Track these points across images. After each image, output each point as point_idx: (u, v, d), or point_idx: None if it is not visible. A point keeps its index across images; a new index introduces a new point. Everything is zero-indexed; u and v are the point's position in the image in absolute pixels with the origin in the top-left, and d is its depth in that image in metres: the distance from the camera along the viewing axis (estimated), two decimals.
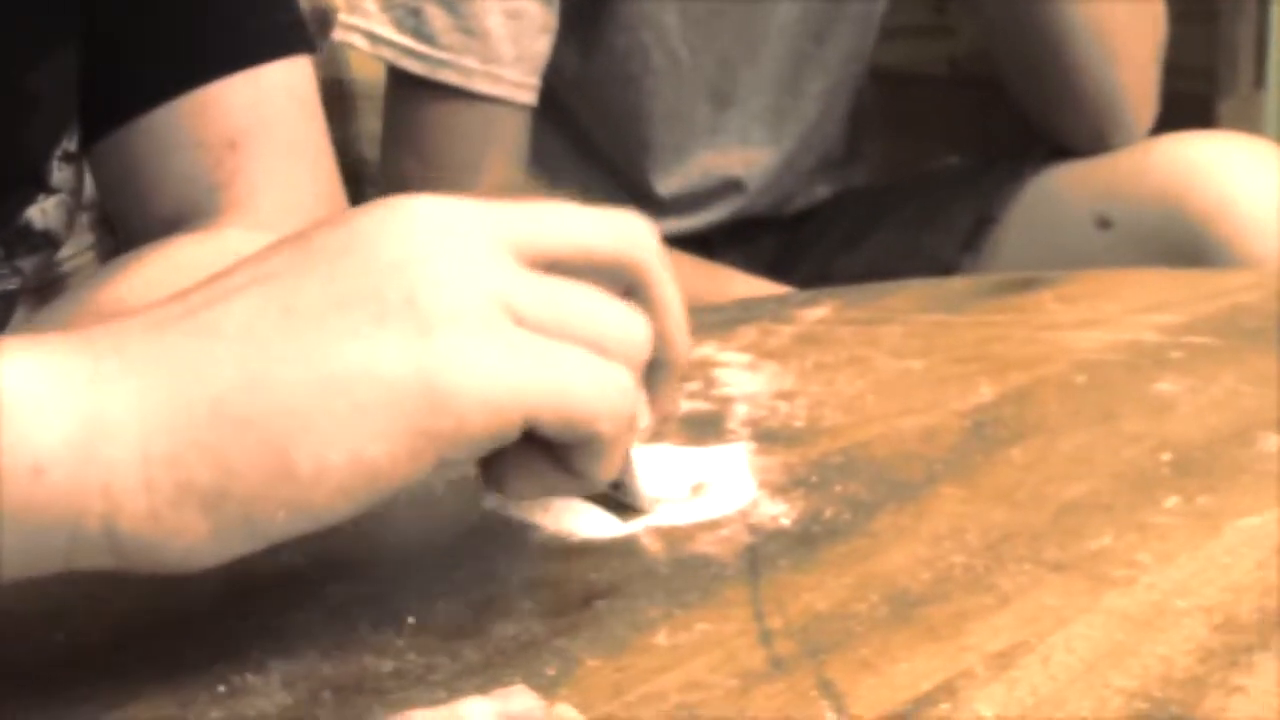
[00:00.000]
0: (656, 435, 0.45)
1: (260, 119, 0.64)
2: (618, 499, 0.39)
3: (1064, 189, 0.98)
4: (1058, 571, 0.34)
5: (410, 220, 0.33)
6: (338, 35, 0.99)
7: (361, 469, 0.30)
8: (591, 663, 0.31)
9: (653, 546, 0.37)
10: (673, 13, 1.00)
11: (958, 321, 0.55)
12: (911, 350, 0.52)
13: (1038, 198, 0.99)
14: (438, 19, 0.92)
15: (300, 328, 0.30)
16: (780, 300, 0.60)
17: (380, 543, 0.38)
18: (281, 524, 0.30)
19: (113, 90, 0.63)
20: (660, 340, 0.36)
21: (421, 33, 0.92)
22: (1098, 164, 0.96)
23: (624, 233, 0.36)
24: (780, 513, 0.38)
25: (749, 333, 0.56)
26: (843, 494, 0.39)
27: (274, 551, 0.38)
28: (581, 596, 0.34)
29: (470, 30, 0.92)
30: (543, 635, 0.33)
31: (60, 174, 0.66)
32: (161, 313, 0.31)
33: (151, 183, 0.64)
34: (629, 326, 0.34)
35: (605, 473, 0.33)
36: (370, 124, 1.22)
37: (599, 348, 0.33)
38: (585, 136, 1.07)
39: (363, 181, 1.22)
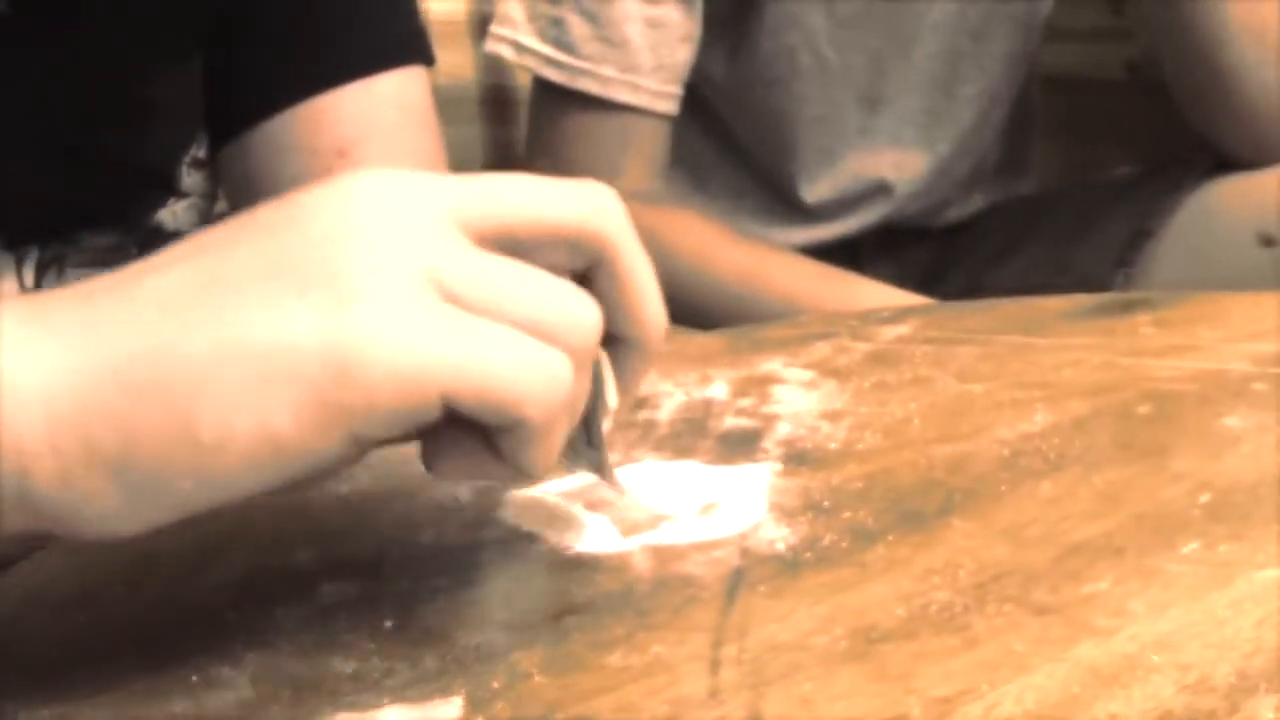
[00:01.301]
0: (683, 450, 0.45)
1: (370, 128, 0.66)
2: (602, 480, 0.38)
3: (1225, 204, 0.93)
4: (1039, 615, 0.32)
5: (349, 194, 0.32)
6: (488, 45, 1.01)
7: (266, 439, 0.29)
8: (539, 678, 0.31)
9: (641, 564, 0.37)
10: (819, 14, 0.98)
11: (1038, 344, 0.53)
12: (979, 373, 0.50)
13: (1197, 212, 0.94)
14: (578, 28, 0.93)
15: (218, 296, 0.30)
16: (864, 316, 0.59)
17: (388, 545, 0.39)
18: (190, 493, 0.29)
19: (234, 99, 0.66)
20: (627, 319, 0.35)
21: (562, 42, 0.94)
22: (1262, 178, 0.90)
23: (586, 203, 0.35)
24: (780, 537, 0.38)
25: (822, 349, 0.55)
26: (850, 521, 0.38)
27: (288, 549, 0.40)
28: (555, 611, 0.34)
29: (609, 39, 0.93)
30: (503, 647, 0.33)
31: (190, 179, 0.70)
32: (98, 282, 0.32)
33: (267, 188, 0.67)
34: (573, 309, 0.33)
35: (535, 461, 0.32)
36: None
37: (536, 330, 0.31)
38: (733, 141, 1.07)
39: None
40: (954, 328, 0.56)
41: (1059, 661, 0.30)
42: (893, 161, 1.05)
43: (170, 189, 0.68)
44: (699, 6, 0.95)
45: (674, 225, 0.93)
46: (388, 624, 0.34)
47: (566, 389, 0.31)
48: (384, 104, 0.67)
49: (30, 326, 0.30)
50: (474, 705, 0.30)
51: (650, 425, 0.47)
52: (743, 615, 0.33)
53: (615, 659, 0.32)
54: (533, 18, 0.96)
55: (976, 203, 1.11)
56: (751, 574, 0.36)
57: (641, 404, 0.50)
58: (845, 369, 0.52)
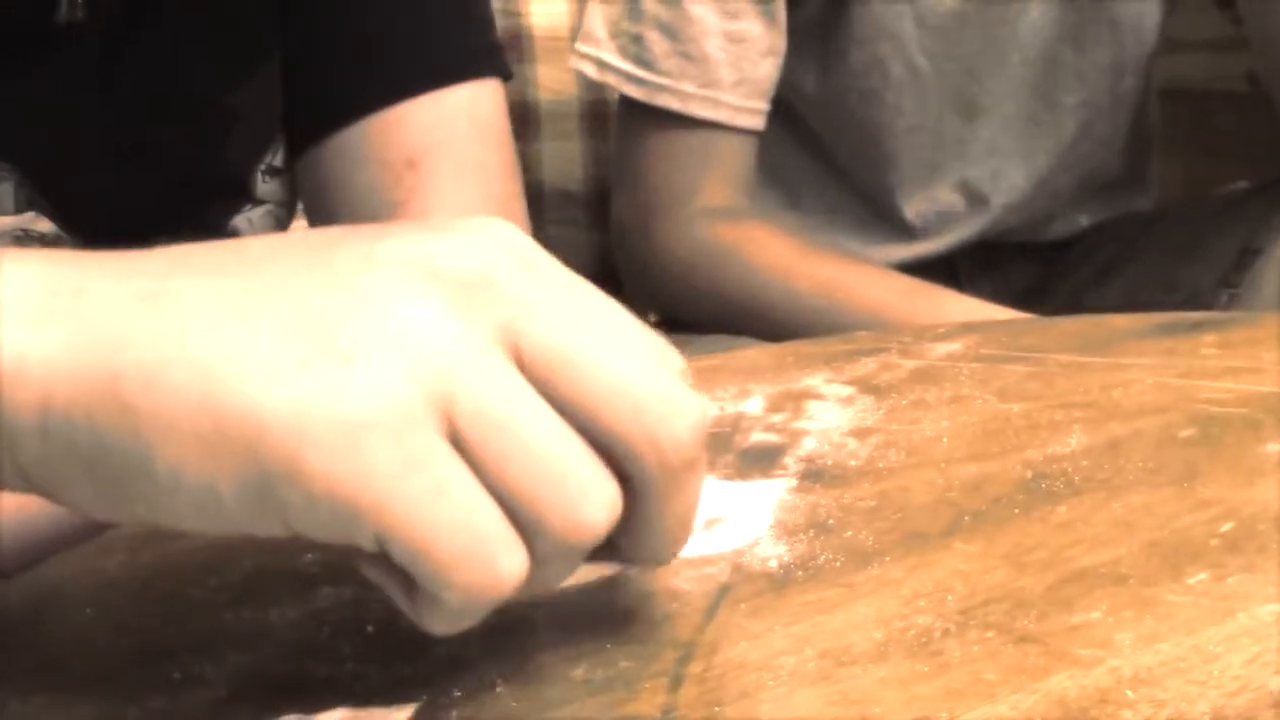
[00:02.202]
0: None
1: (440, 140, 0.67)
2: None
3: None
4: (1020, 643, 0.31)
5: (396, 266, 0.29)
6: (572, 62, 1.02)
7: (211, 501, 0.28)
8: (501, 689, 0.31)
9: (631, 577, 0.36)
10: (909, 21, 0.97)
11: (1091, 364, 0.51)
12: (1022, 393, 0.48)
13: None
14: (657, 44, 0.93)
15: (227, 337, 0.28)
16: (919, 332, 0.57)
17: None
18: (143, 515, 0.29)
19: (309, 109, 0.68)
20: (630, 540, 0.31)
21: (642, 59, 0.93)
22: None
23: (659, 413, 0.29)
24: (775, 554, 0.37)
25: (867, 365, 0.53)
26: (851, 540, 0.37)
27: (296, 552, 0.41)
28: (534, 622, 0.34)
29: (689, 55, 0.92)
30: (476, 656, 0.33)
31: (265, 186, 0.72)
32: (141, 264, 0.30)
33: (339, 198, 0.68)
34: (579, 510, 0.28)
35: (434, 628, 0.29)
36: (550, 146, 1.24)
37: (525, 511, 0.28)
38: (829, 156, 1.06)
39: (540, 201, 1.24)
40: (1010, 345, 0.54)
41: (1028, 692, 0.29)
42: (990, 172, 1.02)
43: (246, 196, 0.70)
44: (782, 20, 0.94)
45: (756, 241, 0.92)
46: (369, 629, 0.35)
47: (505, 592, 0.28)
48: (454, 116, 0.68)
49: (60, 299, 0.29)
50: (431, 712, 0.30)
51: None
52: (718, 632, 0.33)
53: (580, 672, 0.31)
54: (615, 34, 0.96)
55: (1084, 219, 1.08)
56: (738, 591, 0.35)
57: None
58: (886, 385, 0.51)
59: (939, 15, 0.98)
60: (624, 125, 0.99)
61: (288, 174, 0.71)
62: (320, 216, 0.70)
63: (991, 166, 1.02)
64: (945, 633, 0.32)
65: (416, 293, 0.29)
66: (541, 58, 1.27)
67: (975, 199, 1.03)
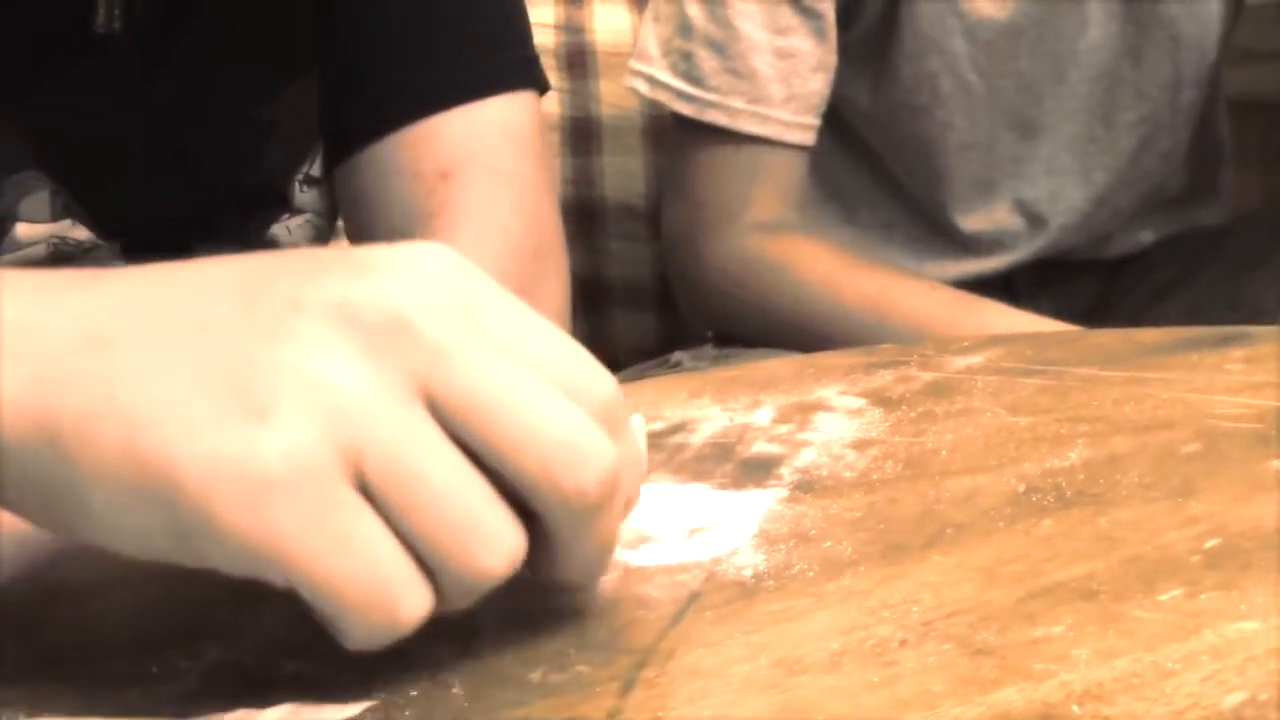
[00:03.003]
0: (700, 474, 0.44)
1: (473, 152, 0.68)
2: None
3: None
4: (976, 656, 0.30)
5: (319, 315, 0.30)
6: (626, 80, 1.03)
7: (143, 540, 0.30)
8: (457, 690, 0.31)
9: (604, 582, 0.36)
10: (959, 37, 0.96)
11: (1108, 377, 0.50)
12: (1033, 406, 0.48)
13: None
14: (707, 61, 0.93)
15: (154, 391, 0.29)
16: (941, 344, 0.57)
17: None
18: (91, 541, 0.30)
19: (345, 120, 0.69)
20: (547, 569, 0.33)
21: (692, 75, 0.94)
22: None
23: (562, 459, 0.30)
24: (751, 564, 0.37)
25: (884, 377, 0.53)
26: (829, 550, 0.37)
27: None
28: (503, 624, 0.34)
29: (738, 71, 0.93)
30: (442, 656, 0.33)
31: (303, 196, 0.73)
32: (97, 298, 0.31)
33: (373, 209, 0.69)
34: (480, 560, 0.30)
35: (346, 646, 0.30)
36: (612, 160, 1.24)
37: (430, 556, 0.29)
38: (884, 171, 1.05)
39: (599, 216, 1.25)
40: (1032, 358, 0.54)
41: (971, 704, 0.28)
42: (1048, 193, 1.01)
43: (284, 205, 0.71)
44: (833, 35, 0.94)
45: (803, 255, 0.92)
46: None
47: (406, 629, 0.30)
48: (487, 128, 0.69)
49: (14, 338, 0.30)
50: (384, 709, 0.31)
51: (680, 448, 0.47)
52: (679, 639, 0.33)
53: (537, 675, 0.32)
54: (666, 52, 0.96)
55: (1147, 235, 1.05)
56: (707, 599, 0.35)
57: (680, 427, 0.49)
58: (898, 398, 0.50)
59: (990, 31, 0.96)
60: (675, 141, 0.99)
61: (326, 184, 0.72)
62: (355, 226, 0.72)
63: (1049, 186, 1.01)
64: (903, 643, 0.31)
65: (333, 343, 0.30)
66: (604, 73, 1.28)
67: (1033, 219, 1.02)
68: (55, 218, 0.64)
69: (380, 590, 0.29)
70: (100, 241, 0.64)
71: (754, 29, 0.94)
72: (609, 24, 1.26)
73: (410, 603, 0.29)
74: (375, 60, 0.68)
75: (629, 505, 0.34)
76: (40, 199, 0.63)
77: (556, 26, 1.25)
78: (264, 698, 0.32)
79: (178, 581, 0.40)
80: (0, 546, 0.40)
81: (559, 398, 0.30)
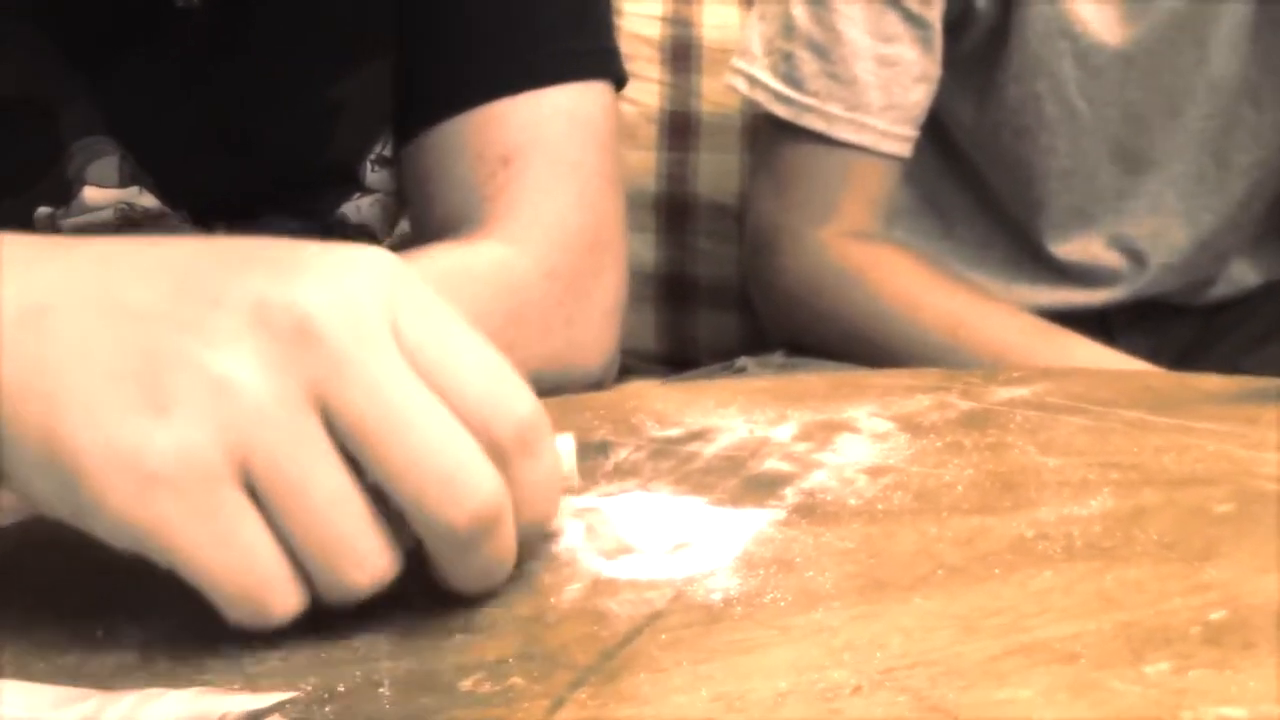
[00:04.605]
0: (701, 487, 0.42)
1: (536, 138, 0.67)
2: None
3: None
4: (927, 712, 0.28)
5: (231, 312, 0.31)
6: (727, 78, 1.01)
7: (57, 510, 0.31)
8: (384, 690, 0.30)
9: (570, 592, 0.35)
10: (1069, 61, 0.92)
11: (1156, 423, 0.47)
12: (1068, 447, 0.45)
13: None
14: (807, 64, 0.91)
15: (74, 377, 0.30)
16: (990, 374, 0.54)
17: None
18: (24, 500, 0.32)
19: (414, 101, 0.69)
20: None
21: (792, 78, 0.92)
22: None
23: (438, 494, 0.31)
24: (724, 587, 0.35)
25: (921, 402, 0.50)
26: (809, 580, 0.35)
27: None
28: (453, 626, 0.33)
29: (838, 76, 0.90)
30: (383, 654, 0.32)
31: (375, 175, 0.72)
32: (44, 271, 0.32)
33: (434, 189, 0.69)
34: (346, 580, 0.31)
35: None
36: (708, 157, 1.22)
37: (306, 560, 0.30)
38: (983, 189, 1.01)
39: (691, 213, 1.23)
40: (1080, 396, 0.51)
41: None
42: (1150, 229, 0.96)
43: (354, 184, 0.71)
44: (938, 47, 0.91)
45: (884, 267, 0.89)
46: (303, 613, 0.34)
47: (276, 623, 0.31)
48: (554, 116, 0.67)
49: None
50: (305, 704, 0.29)
51: (690, 458, 0.45)
52: (625, 661, 0.31)
53: (470, 683, 0.30)
54: (768, 52, 0.94)
55: (1250, 279, 1.00)
56: (666, 621, 0.33)
57: (698, 436, 0.47)
58: (929, 426, 0.48)
59: (1102, 57, 0.92)
60: (767, 142, 0.97)
61: (397, 165, 0.72)
62: (417, 206, 0.71)
63: (1152, 225, 0.96)
64: (855, 690, 0.29)
65: (240, 344, 0.31)
66: (708, 69, 1.26)
67: (1132, 256, 0.98)
68: (123, 184, 0.64)
69: (254, 587, 0.30)
70: (168, 209, 0.64)
71: (858, 34, 0.91)
72: (718, 20, 1.25)
73: (281, 601, 0.31)
74: (446, 43, 0.67)
75: (544, 524, 0.35)
76: (109, 164, 0.63)
77: (664, 19, 1.24)
78: (192, 678, 0.31)
79: None
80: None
81: (450, 425, 0.31)
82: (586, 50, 0.69)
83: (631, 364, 1.23)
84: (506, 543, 0.33)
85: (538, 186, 0.66)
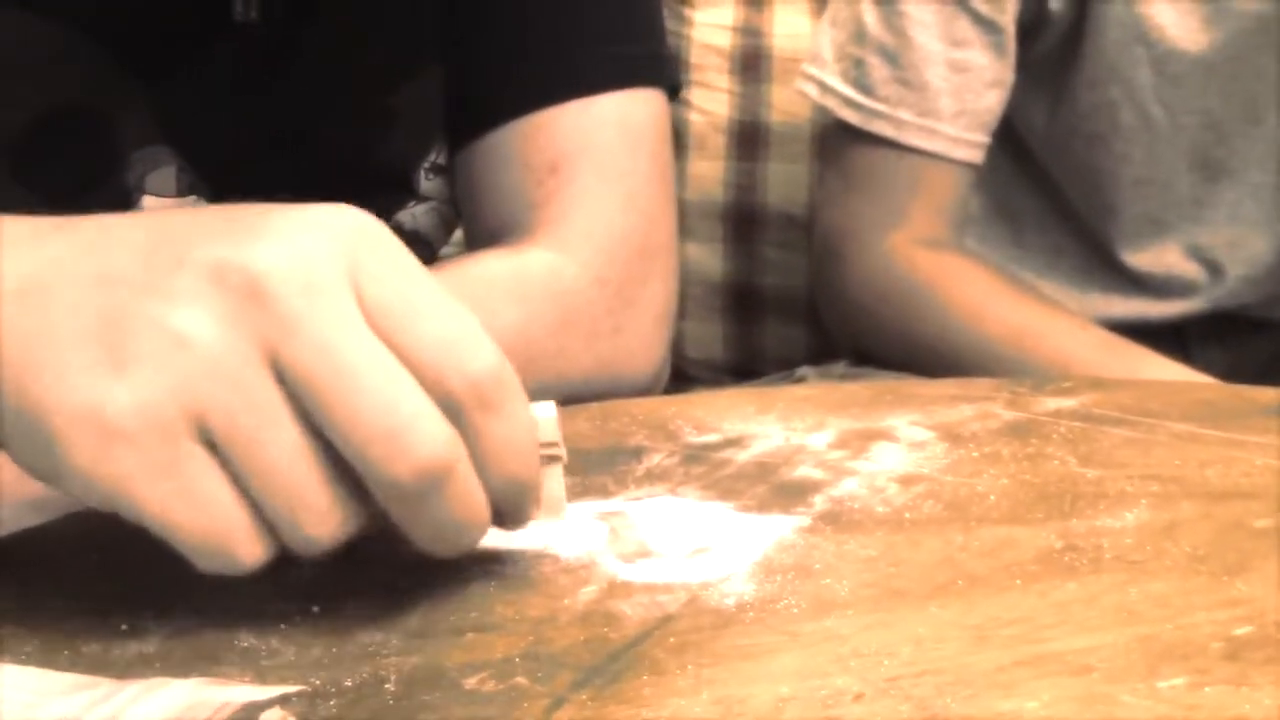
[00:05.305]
0: (729, 493, 0.42)
1: (584, 146, 0.67)
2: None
3: None
4: None
5: (194, 270, 0.32)
6: (797, 83, 1.00)
7: (26, 465, 0.32)
8: (390, 687, 0.30)
9: (585, 594, 0.35)
10: (1146, 68, 0.90)
11: (1205, 436, 0.46)
12: (1109, 459, 0.44)
13: None
14: (878, 69, 0.90)
15: (50, 343, 0.31)
16: (1038, 384, 0.53)
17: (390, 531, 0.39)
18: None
19: (464, 109, 0.69)
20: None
21: (862, 83, 0.91)
22: None
23: (385, 446, 0.31)
24: (740, 592, 0.34)
25: (964, 412, 0.50)
26: (825, 588, 0.34)
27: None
28: (465, 625, 0.33)
29: (908, 82, 0.89)
30: (392, 651, 0.32)
31: (429, 183, 0.73)
32: (35, 248, 0.33)
33: (483, 197, 0.69)
34: (302, 534, 0.31)
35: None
36: (777, 167, 1.21)
37: (264, 511, 0.31)
38: (1056, 196, 1.00)
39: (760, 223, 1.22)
40: (1129, 408, 0.50)
41: None
42: (1228, 239, 0.94)
43: (409, 192, 0.72)
44: (1011, 51, 0.90)
45: (952, 276, 0.87)
46: (315, 609, 0.35)
47: (246, 572, 0.32)
48: (602, 123, 0.67)
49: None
50: (309, 698, 0.30)
51: (723, 464, 0.45)
52: (630, 662, 0.31)
53: (474, 681, 0.30)
54: (839, 58, 0.93)
55: None
56: (676, 624, 0.33)
57: (734, 442, 0.47)
58: (970, 436, 0.47)
59: (1180, 64, 0.90)
60: (836, 148, 0.96)
61: (450, 172, 0.72)
62: (468, 214, 0.71)
63: (1230, 234, 0.94)
64: (857, 698, 0.29)
65: (199, 304, 0.31)
66: (778, 78, 1.26)
67: (1210, 267, 0.95)
68: (181, 193, 0.65)
69: (218, 538, 0.31)
70: None
71: (928, 39, 0.90)
72: (789, 29, 1.24)
73: (247, 550, 0.31)
74: (495, 51, 0.68)
75: (521, 484, 0.34)
76: (167, 174, 0.64)
77: (735, 28, 1.24)
78: (206, 670, 0.32)
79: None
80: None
81: (398, 378, 0.31)
82: (636, 57, 0.69)
83: (698, 373, 1.23)
84: (465, 500, 0.32)
85: (586, 194, 0.66)
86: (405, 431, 0.31)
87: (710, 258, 1.23)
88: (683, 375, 1.23)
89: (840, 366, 0.92)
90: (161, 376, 0.30)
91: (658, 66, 0.70)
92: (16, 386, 0.31)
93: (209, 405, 0.30)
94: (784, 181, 1.23)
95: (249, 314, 0.31)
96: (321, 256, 0.32)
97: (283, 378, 0.31)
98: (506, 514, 0.35)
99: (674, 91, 0.71)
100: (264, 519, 0.31)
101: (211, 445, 0.31)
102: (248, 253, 0.31)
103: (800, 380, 0.90)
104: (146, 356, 0.30)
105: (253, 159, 0.65)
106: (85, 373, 0.31)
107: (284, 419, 0.31)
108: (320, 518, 0.31)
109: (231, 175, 0.65)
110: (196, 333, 0.31)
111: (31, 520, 0.43)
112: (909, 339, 0.90)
